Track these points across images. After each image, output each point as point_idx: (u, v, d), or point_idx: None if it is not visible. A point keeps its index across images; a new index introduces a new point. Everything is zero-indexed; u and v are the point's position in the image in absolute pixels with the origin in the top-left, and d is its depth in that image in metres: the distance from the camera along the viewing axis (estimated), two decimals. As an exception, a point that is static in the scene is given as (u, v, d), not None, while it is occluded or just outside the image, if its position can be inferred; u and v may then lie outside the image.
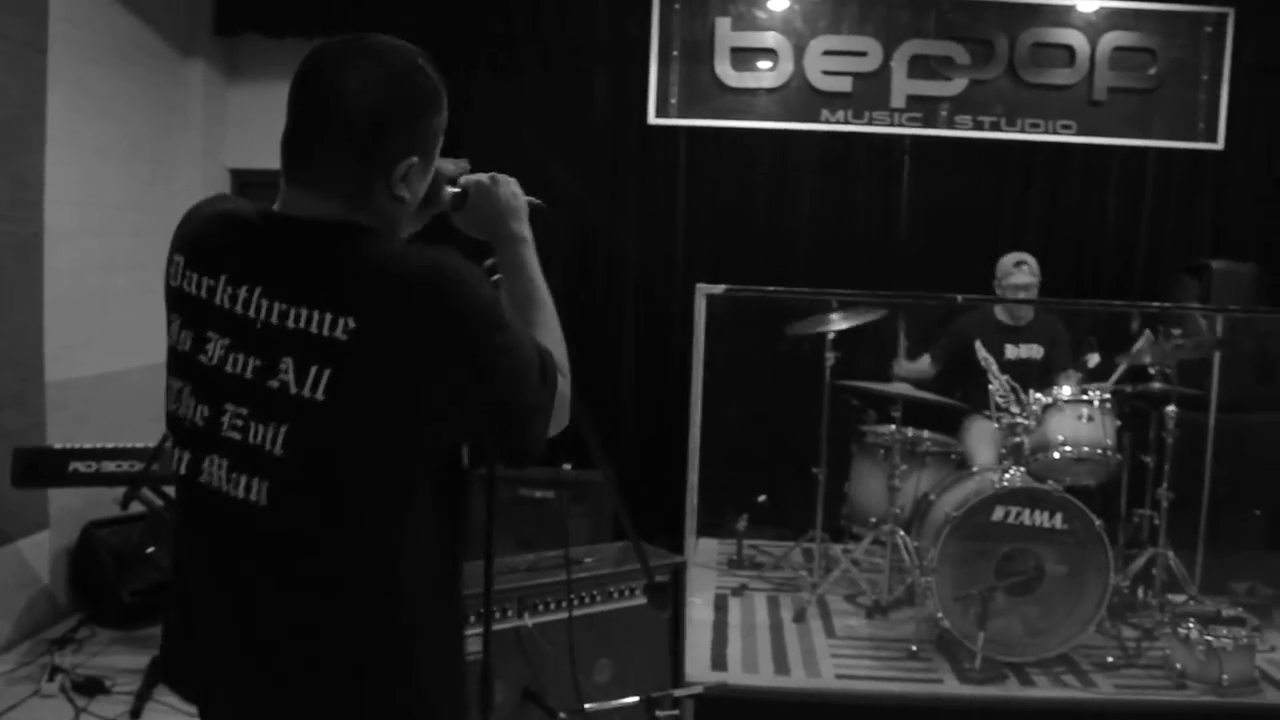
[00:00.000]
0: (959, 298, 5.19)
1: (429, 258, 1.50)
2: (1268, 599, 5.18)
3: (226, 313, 1.51)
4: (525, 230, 1.79)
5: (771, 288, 5.36)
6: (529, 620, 3.21)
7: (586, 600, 3.37)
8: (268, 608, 1.52)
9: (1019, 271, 5.36)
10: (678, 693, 3.20)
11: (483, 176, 1.81)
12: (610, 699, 3.15)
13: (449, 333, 1.47)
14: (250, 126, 6.29)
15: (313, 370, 1.45)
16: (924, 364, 5.48)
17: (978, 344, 4.95)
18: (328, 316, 1.45)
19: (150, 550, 5.12)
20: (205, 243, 1.58)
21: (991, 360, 4.85)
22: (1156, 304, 5.46)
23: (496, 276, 1.76)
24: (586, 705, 3.09)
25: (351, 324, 1.44)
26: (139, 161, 5.71)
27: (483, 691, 2.17)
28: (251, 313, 1.49)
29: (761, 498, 5.86)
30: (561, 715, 3.08)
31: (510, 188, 1.81)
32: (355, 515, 1.50)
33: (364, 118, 1.52)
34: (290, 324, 1.47)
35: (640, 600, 3.45)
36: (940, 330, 5.57)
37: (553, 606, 3.27)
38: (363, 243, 1.51)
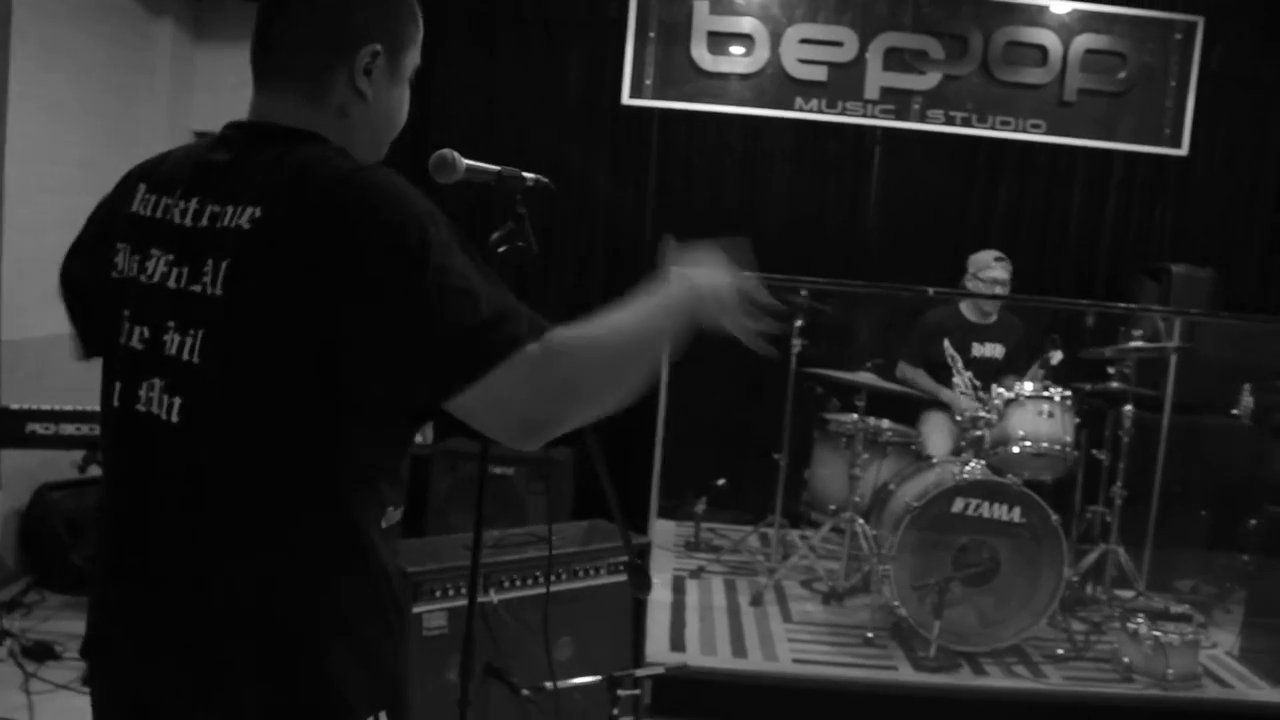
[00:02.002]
0: (931, 290, 5.21)
1: (362, 166, 1.43)
2: (1210, 597, 5.29)
3: (175, 227, 1.45)
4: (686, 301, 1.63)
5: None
6: (494, 596, 3.21)
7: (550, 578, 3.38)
8: (172, 540, 1.42)
9: (998, 266, 5.27)
10: (640, 672, 3.23)
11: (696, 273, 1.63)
12: (569, 677, 3.17)
13: (367, 235, 1.33)
14: (218, 89, 6.17)
15: (223, 265, 1.38)
16: (906, 370, 5.44)
17: (945, 343, 4.99)
18: (238, 208, 1.38)
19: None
20: (168, 164, 1.55)
21: (958, 358, 4.90)
22: (1122, 305, 5.53)
23: (503, 249, 1.74)
24: (547, 684, 3.10)
25: (257, 213, 1.37)
26: (103, 120, 5.61)
27: (463, 663, 2.18)
28: (192, 221, 1.44)
29: (721, 481, 5.89)
30: (524, 691, 3.08)
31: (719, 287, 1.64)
32: (260, 436, 1.38)
33: None
34: (218, 225, 1.40)
35: (602, 579, 3.48)
36: (910, 332, 5.53)
37: (517, 583, 3.28)
38: (305, 147, 1.45)
